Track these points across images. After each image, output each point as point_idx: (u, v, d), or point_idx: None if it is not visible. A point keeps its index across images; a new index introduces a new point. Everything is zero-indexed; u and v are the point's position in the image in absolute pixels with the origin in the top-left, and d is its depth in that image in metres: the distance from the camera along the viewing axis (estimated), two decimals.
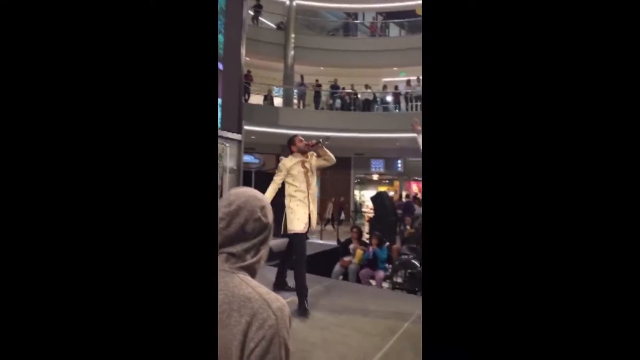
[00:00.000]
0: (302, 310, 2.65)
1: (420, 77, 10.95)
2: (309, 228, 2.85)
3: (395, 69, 12.28)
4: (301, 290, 2.70)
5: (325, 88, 11.49)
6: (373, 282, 4.11)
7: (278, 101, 11.40)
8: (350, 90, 11.29)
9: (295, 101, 11.56)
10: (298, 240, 2.77)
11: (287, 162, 2.88)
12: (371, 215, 9.14)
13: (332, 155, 2.91)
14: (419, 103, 10.85)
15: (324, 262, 4.45)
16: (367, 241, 4.67)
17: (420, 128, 2.60)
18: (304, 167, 2.87)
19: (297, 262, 2.76)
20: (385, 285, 4.16)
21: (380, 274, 4.12)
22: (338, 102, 11.29)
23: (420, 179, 12.83)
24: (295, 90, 11.56)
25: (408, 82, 11.35)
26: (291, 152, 2.93)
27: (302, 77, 11.94)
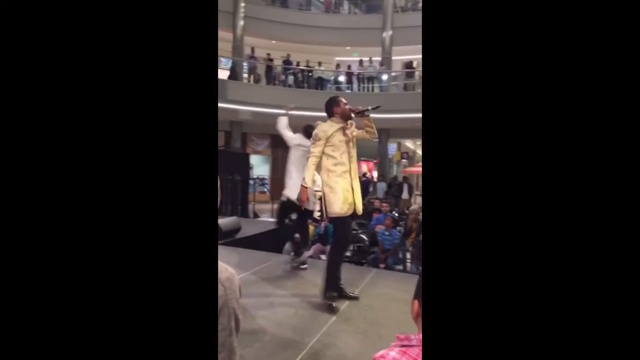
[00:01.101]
0: (329, 307, 2.21)
1: (373, 58, 11.07)
2: (354, 210, 2.28)
3: (348, 48, 12.24)
4: (332, 283, 2.27)
5: (278, 63, 11.09)
6: (324, 257, 4.20)
7: (224, 74, 10.77)
8: (305, 67, 11.05)
9: (245, 75, 11.02)
10: (340, 225, 2.27)
11: (326, 127, 2.32)
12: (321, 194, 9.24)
13: (375, 130, 2.43)
14: (372, 85, 11.03)
15: (275, 240, 4.42)
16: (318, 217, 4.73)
17: (290, 109, 2.52)
18: (345, 134, 2.32)
19: (334, 250, 2.32)
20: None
21: (317, 247, 4.26)
22: (291, 78, 11.00)
23: (369, 159, 13.25)
24: (245, 64, 11.00)
25: (360, 62, 11.42)
26: (331, 116, 2.38)
27: (252, 49, 11.37)
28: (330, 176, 2.27)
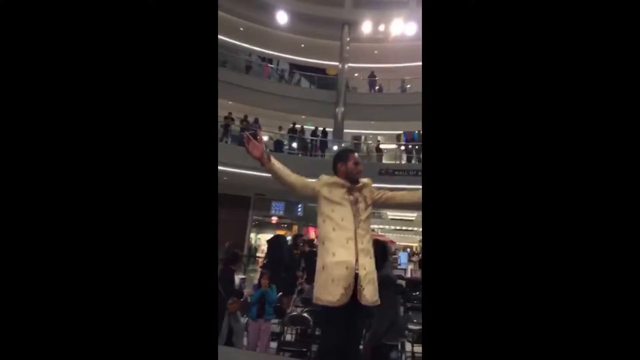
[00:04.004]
0: None
1: (328, 129, 11.67)
2: (353, 297, 1.50)
3: (303, 117, 12.87)
4: None
5: (236, 123, 11.16)
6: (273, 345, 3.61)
7: None
8: (264, 131, 11.21)
9: None
10: (327, 317, 1.52)
11: (327, 178, 1.72)
12: (265, 260, 8.66)
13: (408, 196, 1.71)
14: (324, 153, 11.43)
15: None
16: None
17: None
18: (351, 194, 1.67)
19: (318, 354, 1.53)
20: (273, 345, 3.68)
21: (268, 325, 3.67)
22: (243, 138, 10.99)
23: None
24: None
25: (314, 131, 11.91)
26: (335, 173, 1.75)
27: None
28: (326, 246, 1.55)
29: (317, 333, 3.69)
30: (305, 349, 3.32)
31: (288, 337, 3.58)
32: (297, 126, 12.40)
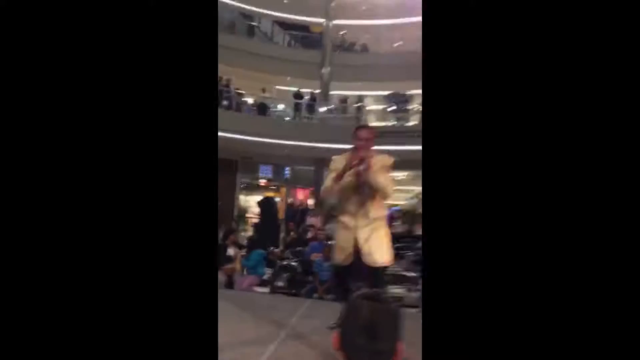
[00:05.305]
0: None
1: (315, 91, 11.49)
2: (353, 260, 1.86)
3: (288, 78, 12.55)
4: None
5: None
6: (259, 289, 3.95)
7: None
8: (241, 92, 10.92)
9: None
10: (335, 271, 1.98)
11: (338, 161, 1.94)
12: (256, 220, 8.90)
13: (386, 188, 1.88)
14: (311, 115, 11.33)
15: None
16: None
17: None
18: (355, 174, 1.86)
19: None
20: (264, 290, 4.04)
21: (251, 279, 4.03)
22: (225, 102, 10.73)
23: (305, 187, 13.35)
24: None
25: (298, 92, 11.69)
26: (354, 147, 1.92)
27: None
28: (339, 219, 1.97)
29: (305, 279, 4.07)
30: (294, 291, 3.72)
31: (280, 283, 3.92)
32: (280, 88, 12.12)
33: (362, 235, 1.89)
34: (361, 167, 1.84)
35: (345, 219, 1.94)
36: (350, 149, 1.96)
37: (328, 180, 1.96)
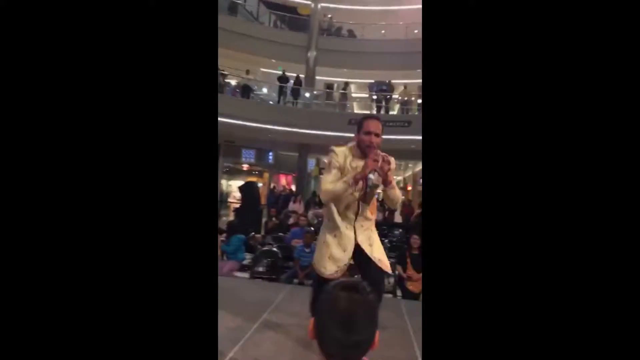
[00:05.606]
0: None
1: (301, 75, 11.27)
2: (362, 273, 1.62)
3: (274, 61, 12.26)
4: None
5: None
6: (239, 274, 3.98)
7: None
8: (224, 72, 10.59)
9: None
10: (320, 286, 1.45)
11: (341, 154, 1.61)
12: (237, 205, 8.82)
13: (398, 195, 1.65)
14: (295, 100, 11.17)
15: None
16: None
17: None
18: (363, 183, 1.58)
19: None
20: (244, 275, 4.06)
21: (231, 264, 4.04)
22: None
23: (288, 172, 13.28)
24: None
25: (283, 76, 11.47)
26: (357, 142, 1.62)
27: None
28: (327, 228, 1.66)
29: (285, 265, 4.11)
30: (274, 277, 3.76)
31: (261, 269, 3.93)
32: (265, 70, 11.82)
33: (363, 239, 1.64)
34: (375, 175, 1.51)
35: (342, 223, 1.62)
36: (354, 140, 1.64)
37: (336, 181, 1.55)
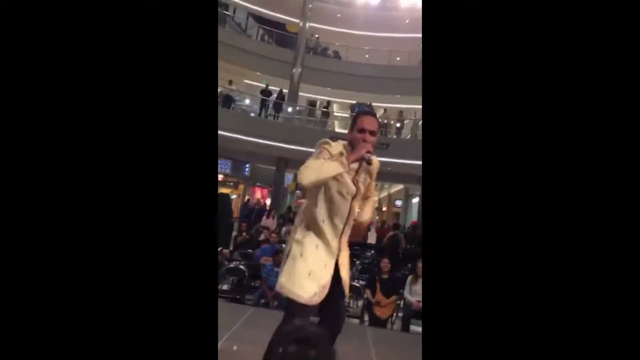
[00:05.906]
0: None
1: (285, 90, 11.30)
2: (327, 297, 1.27)
3: (258, 73, 12.27)
4: None
5: None
6: None
7: None
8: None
9: None
10: (293, 312, 1.22)
11: (335, 147, 1.32)
12: None
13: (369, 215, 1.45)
14: (277, 114, 11.15)
15: None
16: None
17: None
18: (354, 180, 1.35)
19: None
20: None
21: None
22: None
23: (264, 185, 13.06)
24: None
25: (266, 89, 11.46)
26: (350, 141, 1.36)
27: None
28: (307, 236, 1.30)
29: (252, 284, 3.92)
30: (239, 297, 3.56)
31: (225, 287, 3.73)
32: (248, 82, 11.79)
33: (343, 259, 1.35)
34: (365, 162, 1.31)
35: (330, 234, 1.31)
36: (347, 142, 1.37)
37: (327, 161, 1.26)
